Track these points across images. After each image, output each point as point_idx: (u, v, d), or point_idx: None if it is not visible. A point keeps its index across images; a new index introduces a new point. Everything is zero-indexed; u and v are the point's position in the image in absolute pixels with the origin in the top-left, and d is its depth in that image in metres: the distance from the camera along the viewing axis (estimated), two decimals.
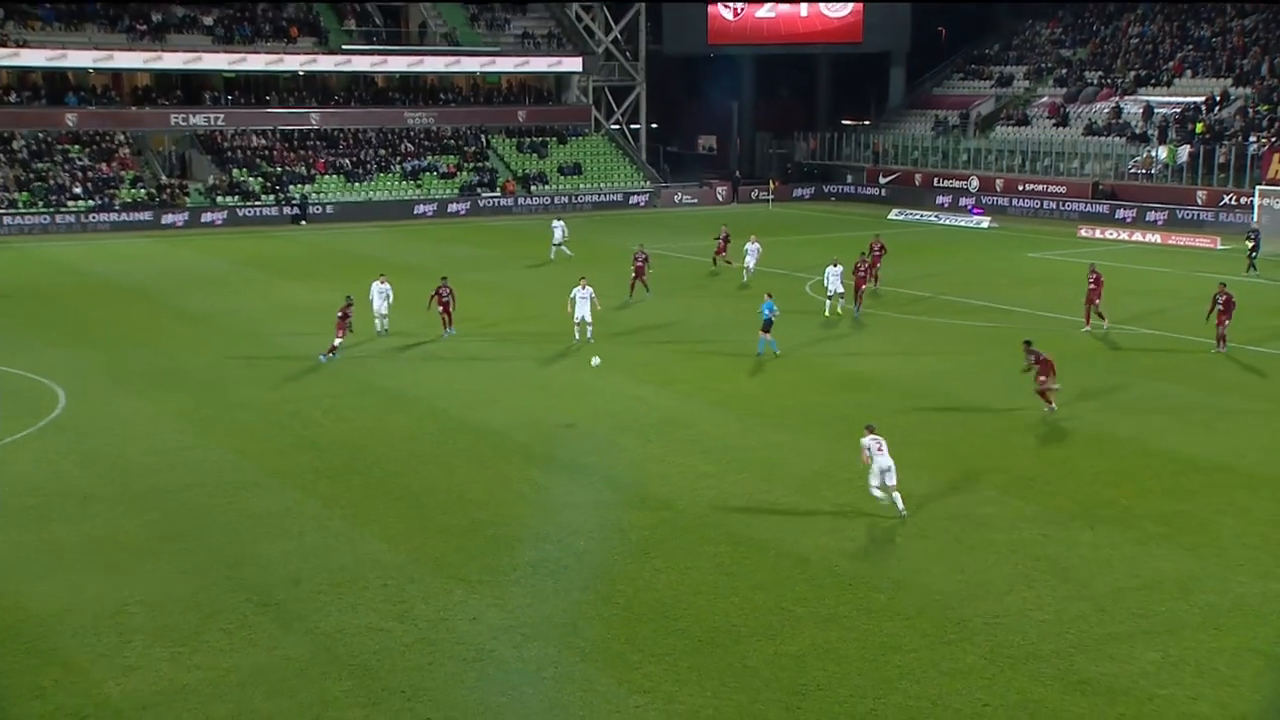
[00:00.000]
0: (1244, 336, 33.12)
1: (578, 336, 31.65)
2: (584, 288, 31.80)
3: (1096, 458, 22.71)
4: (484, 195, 69.92)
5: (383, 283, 32.90)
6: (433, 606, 16.26)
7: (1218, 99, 64.69)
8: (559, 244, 49.11)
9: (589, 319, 31.53)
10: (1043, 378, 25.42)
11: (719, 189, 76.30)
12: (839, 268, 37.05)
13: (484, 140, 74.73)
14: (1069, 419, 25.37)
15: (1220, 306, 30.91)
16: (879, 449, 19.88)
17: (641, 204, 73.40)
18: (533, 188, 71.91)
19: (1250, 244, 45.70)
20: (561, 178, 73.36)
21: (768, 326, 31.07)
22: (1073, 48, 77.38)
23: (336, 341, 29.67)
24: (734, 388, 28.23)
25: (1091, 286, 34.21)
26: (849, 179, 78.53)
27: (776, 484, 21.28)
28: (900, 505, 19.51)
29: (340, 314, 30.21)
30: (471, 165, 72.23)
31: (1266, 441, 23.65)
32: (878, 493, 19.65)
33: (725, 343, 33.12)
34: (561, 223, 49.83)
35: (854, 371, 29.77)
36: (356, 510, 20.02)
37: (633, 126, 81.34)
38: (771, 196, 74.30)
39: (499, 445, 23.58)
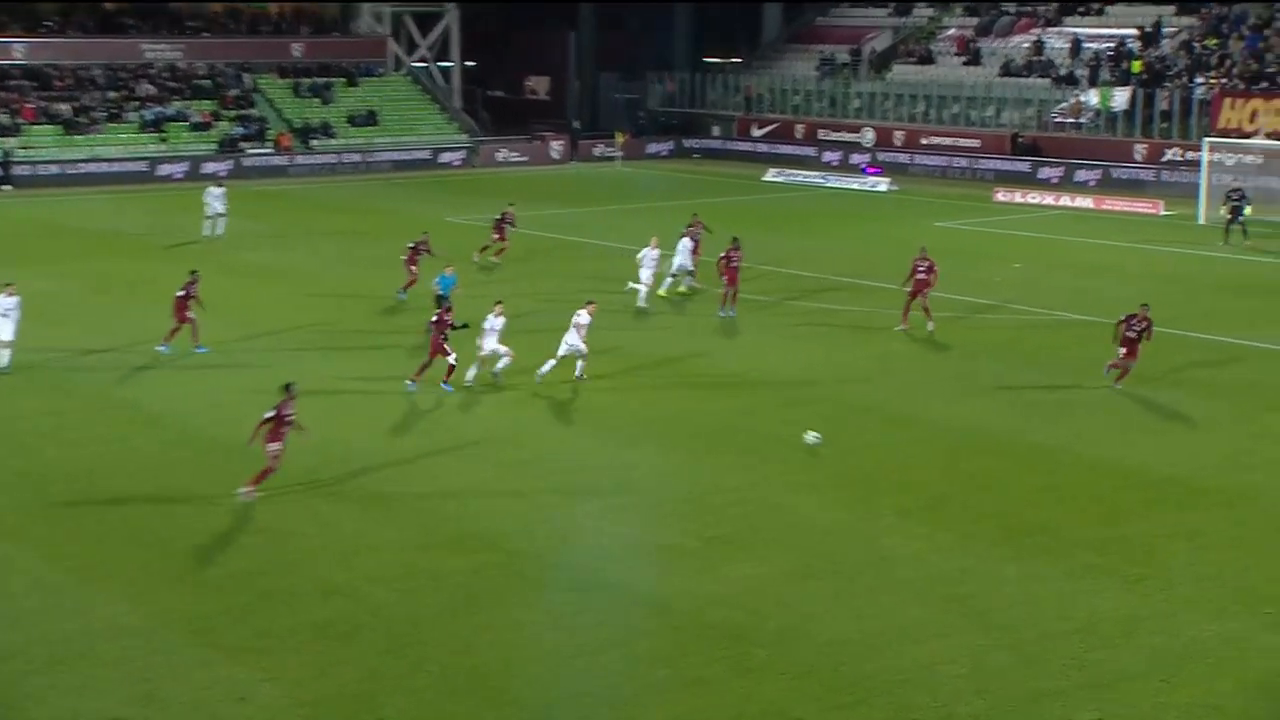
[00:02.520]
0: (1203, 323, 34.50)
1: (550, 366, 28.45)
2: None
3: (1021, 472, 23.38)
4: (250, 152, 68.69)
5: (10, 295, 31.15)
6: (187, 685, 15.88)
7: (1155, 32, 67.27)
8: (216, 215, 47.22)
9: (582, 348, 28.58)
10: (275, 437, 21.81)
11: (554, 144, 76.50)
12: (689, 240, 37.85)
13: (248, 81, 73.38)
14: (983, 424, 26.07)
15: (1134, 335, 28.13)
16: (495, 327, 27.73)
17: (456, 163, 73.14)
18: (314, 142, 70.93)
19: (1229, 207, 47.30)
20: (351, 129, 72.56)
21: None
22: None
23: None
24: (579, 395, 28.27)
25: (921, 276, 33.35)
26: (716, 131, 79.55)
27: (632, 514, 21.38)
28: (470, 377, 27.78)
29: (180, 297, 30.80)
30: (233, 113, 70.87)
31: (1222, 450, 24.63)
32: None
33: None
34: (222, 190, 48.33)
35: (726, 371, 30.09)
36: (87, 562, 19.44)
37: (443, 64, 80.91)
38: (620, 153, 74.77)
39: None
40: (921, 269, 33.56)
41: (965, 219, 53.39)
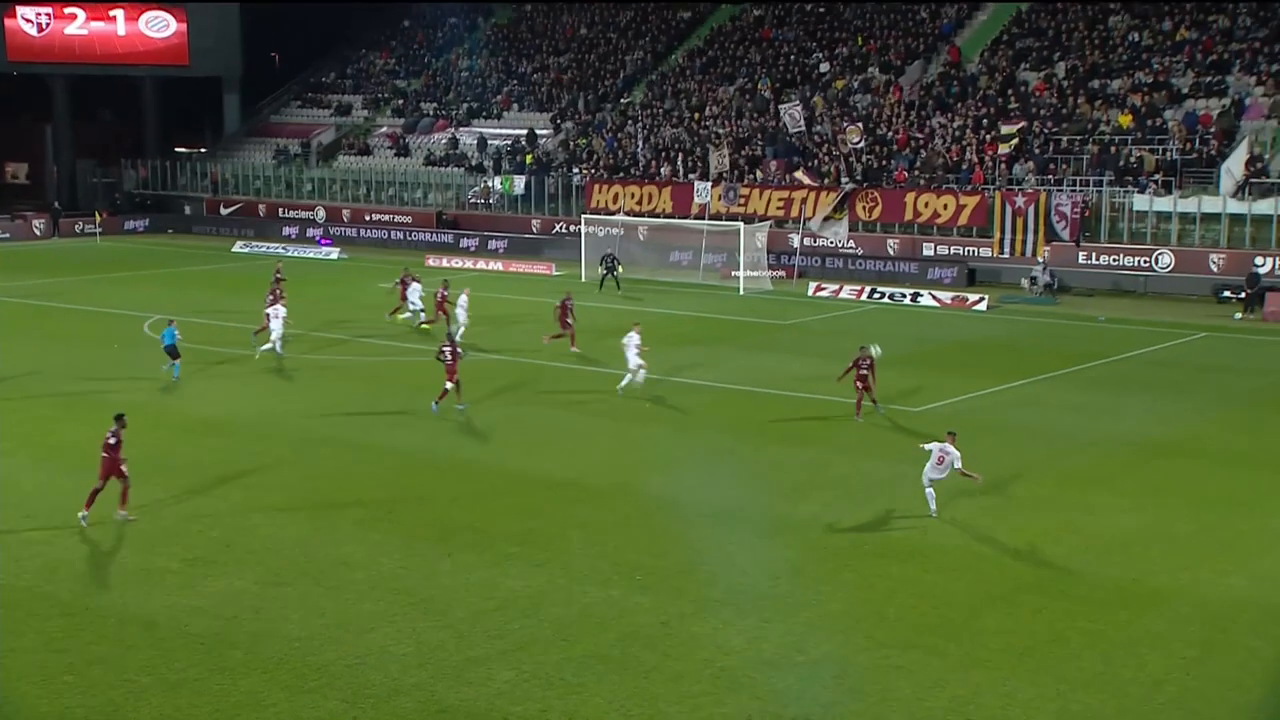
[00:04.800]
0: (583, 358, 36.15)
1: None
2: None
3: (454, 483, 23.64)
4: None
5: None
6: None
7: (541, 133, 70.46)
8: None
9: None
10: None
11: (35, 222, 70.42)
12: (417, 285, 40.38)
13: None
14: (425, 446, 26.23)
15: (865, 372, 28.24)
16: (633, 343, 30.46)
17: None
18: None
19: (604, 267, 50.12)
20: None
21: (174, 353, 32.25)
22: (407, 79, 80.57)
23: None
24: (65, 440, 26.09)
25: (569, 313, 36.73)
26: (188, 210, 75.90)
27: (120, 543, 19.93)
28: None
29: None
30: None
31: (607, 457, 25.89)
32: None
33: (56, 392, 30.54)
34: None
35: (200, 416, 28.65)
36: None
37: None
38: (99, 229, 69.73)
39: None
40: (570, 305, 36.85)
41: None
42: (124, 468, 20.93)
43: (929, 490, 21.39)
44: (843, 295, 49.49)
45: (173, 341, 32.57)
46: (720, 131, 63.00)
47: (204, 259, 61.28)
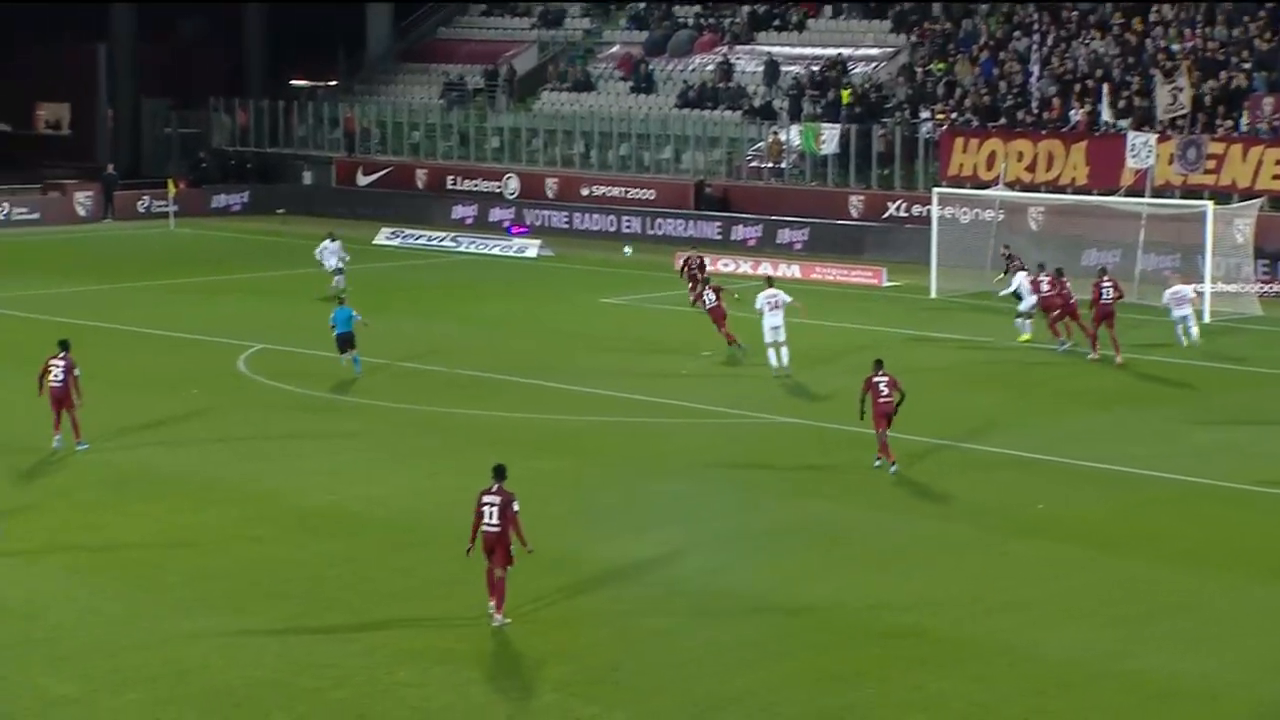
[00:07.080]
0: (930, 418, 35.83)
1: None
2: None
3: (716, 626, 23.61)
4: None
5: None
6: None
7: (868, 54, 70.13)
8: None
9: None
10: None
11: (79, 195, 74.33)
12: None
13: None
14: (666, 571, 26.32)
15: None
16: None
17: None
18: None
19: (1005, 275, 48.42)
20: None
21: (349, 341, 37.26)
22: None
23: None
24: (114, 540, 27.38)
25: (1105, 303, 42.25)
26: (308, 178, 78.93)
27: (184, 706, 20.73)
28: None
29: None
30: None
31: (971, 590, 25.39)
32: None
33: (103, 464, 32.22)
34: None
35: (321, 505, 29.55)
36: None
37: None
38: (175, 208, 73.10)
39: None
40: (1106, 285, 42.99)
41: (640, 293, 54.12)
42: (513, 547, 23.02)
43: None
44: None
45: (349, 328, 36.53)
46: (1175, 48, 61.70)
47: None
